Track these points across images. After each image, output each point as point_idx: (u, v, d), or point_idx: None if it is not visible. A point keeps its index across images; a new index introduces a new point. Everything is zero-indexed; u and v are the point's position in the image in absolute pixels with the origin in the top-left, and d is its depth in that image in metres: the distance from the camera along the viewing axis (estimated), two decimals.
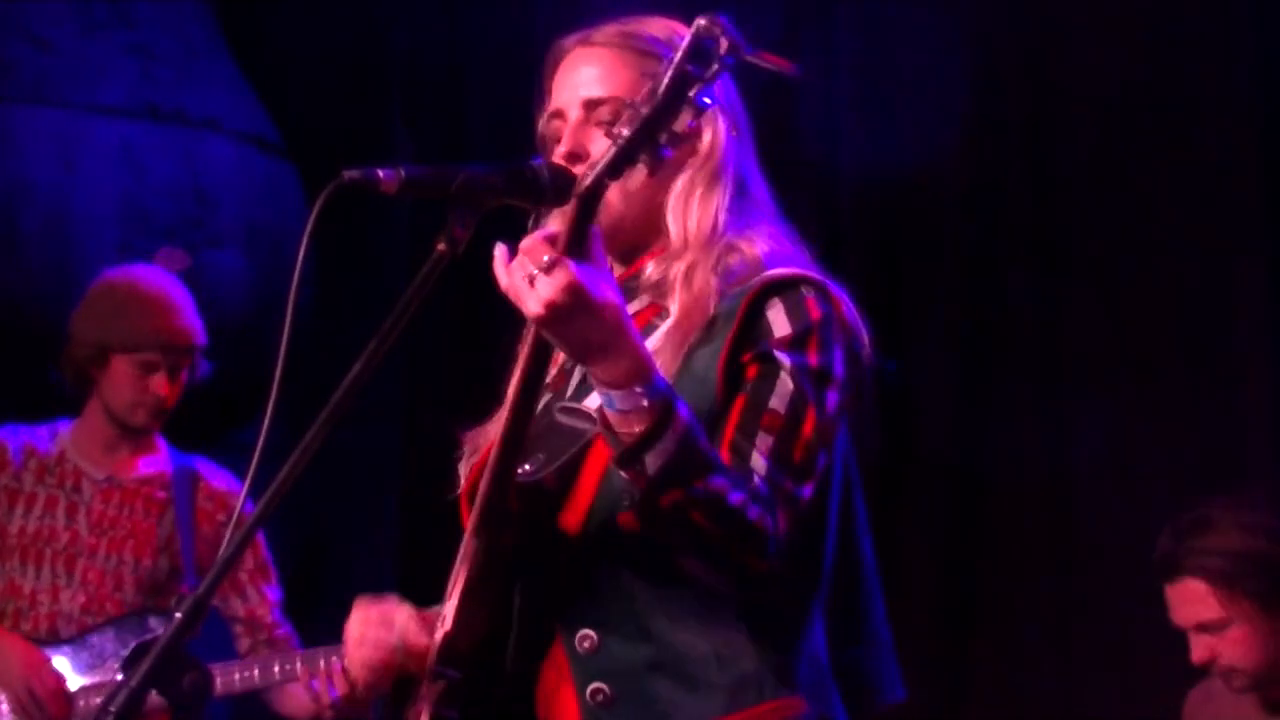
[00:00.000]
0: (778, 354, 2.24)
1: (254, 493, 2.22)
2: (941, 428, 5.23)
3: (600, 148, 2.38)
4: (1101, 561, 5.02)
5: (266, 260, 5.68)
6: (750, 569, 2.17)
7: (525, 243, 2.08)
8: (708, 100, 2.01)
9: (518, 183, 2.36)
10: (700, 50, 1.99)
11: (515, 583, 2.28)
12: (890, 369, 2.38)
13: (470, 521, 2.27)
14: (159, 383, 4.21)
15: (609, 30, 2.46)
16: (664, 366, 2.24)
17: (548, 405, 2.36)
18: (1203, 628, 3.68)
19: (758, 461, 2.19)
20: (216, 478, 4.37)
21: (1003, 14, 5.23)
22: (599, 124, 2.40)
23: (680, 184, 2.39)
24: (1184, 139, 5.02)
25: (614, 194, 2.37)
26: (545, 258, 2.05)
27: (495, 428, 2.42)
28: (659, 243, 2.40)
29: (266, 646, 4.25)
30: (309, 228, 2.28)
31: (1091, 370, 5.11)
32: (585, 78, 2.43)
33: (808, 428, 2.22)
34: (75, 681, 4.11)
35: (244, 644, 4.29)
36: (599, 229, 2.12)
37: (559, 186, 2.38)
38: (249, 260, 5.69)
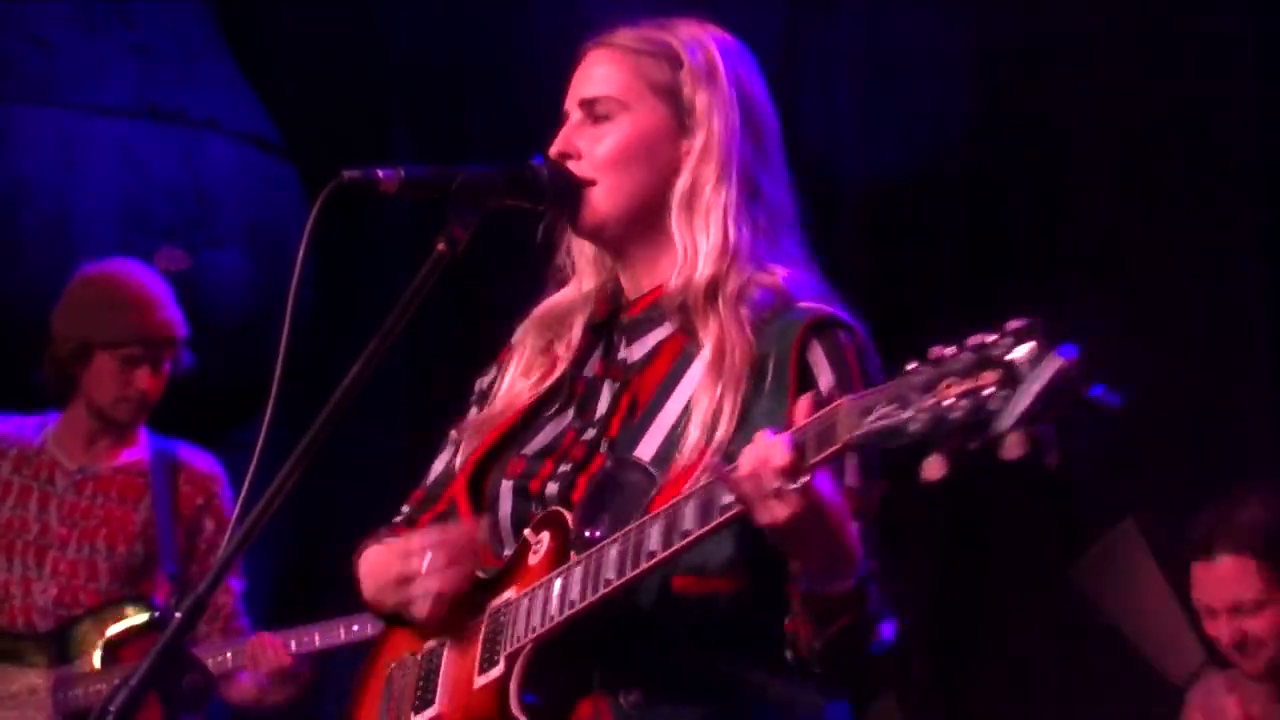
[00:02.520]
0: None
1: (254, 492, 2.22)
2: None
3: (594, 149, 2.39)
4: None
5: (266, 260, 5.68)
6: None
7: (775, 456, 2.00)
8: (1040, 437, 1.80)
9: (518, 183, 2.37)
10: (1055, 396, 1.80)
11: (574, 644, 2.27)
12: None
13: (565, 618, 2.24)
14: (142, 377, 4.22)
15: (626, 32, 2.47)
16: (710, 408, 2.24)
17: (599, 446, 2.36)
18: (1237, 608, 3.67)
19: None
20: (197, 460, 4.37)
21: (1003, 14, 5.23)
22: (593, 122, 2.42)
23: (681, 185, 2.38)
24: (1184, 139, 5.02)
25: (599, 194, 2.38)
26: (801, 480, 2.00)
27: (498, 425, 2.44)
28: (664, 247, 2.39)
29: (220, 635, 4.24)
30: (309, 228, 2.28)
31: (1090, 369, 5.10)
32: (586, 78, 2.45)
33: (876, 494, 2.26)
34: (53, 674, 4.12)
35: (200, 629, 4.24)
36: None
37: (559, 187, 2.39)
38: (249, 260, 5.69)
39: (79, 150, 5.52)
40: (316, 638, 4.00)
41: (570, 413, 2.44)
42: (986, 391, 1.81)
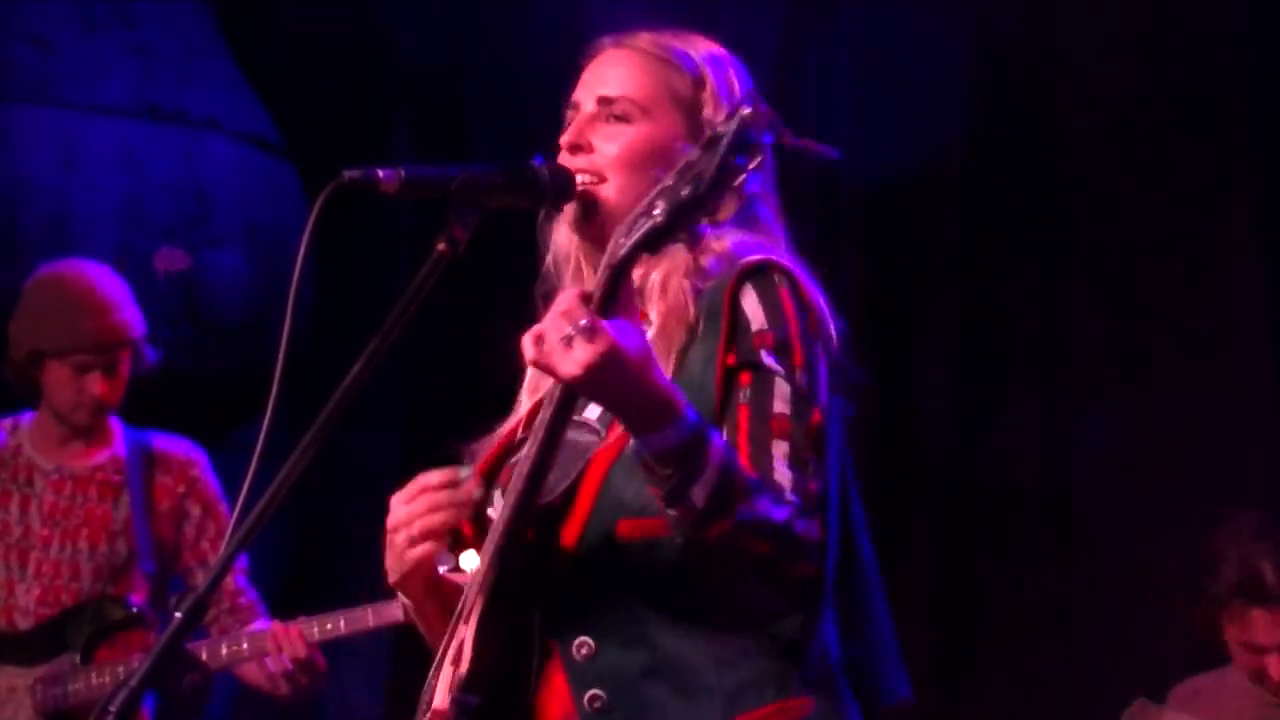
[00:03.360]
0: (766, 361, 2.26)
1: (254, 492, 2.22)
2: (941, 428, 5.23)
3: (608, 147, 2.41)
4: (1101, 561, 5.02)
5: (266, 260, 5.68)
6: (798, 577, 2.23)
7: (560, 303, 2.08)
8: (750, 189, 2.04)
9: (518, 183, 2.37)
10: (745, 141, 2.01)
11: (526, 599, 2.29)
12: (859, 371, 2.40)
13: (487, 552, 2.27)
14: (95, 382, 4.20)
15: (644, 36, 2.49)
16: None
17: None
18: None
19: (782, 473, 2.21)
20: (173, 448, 4.35)
21: (1003, 14, 5.23)
22: (608, 119, 2.43)
23: None
24: (1184, 139, 5.02)
25: (610, 189, 2.40)
26: (583, 322, 2.04)
27: (503, 435, 2.46)
28: None
29: (229, 615, 4.24)
30: (309, 228, 2.29)
31: (1092, 371, 5.11)
32: (606, 76, 2.46)
33: (813, 424, 2.25)
34: (32, 673, 4.12)
35: (208, 613, 4.24)
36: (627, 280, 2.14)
37: (559, 187, 2.40)
38: (249, 260, 5.69)
39: (79, 150, 5.51)
40: (342, 623, 3.99)
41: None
42: (699, 164, 2.04)
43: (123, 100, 5.60)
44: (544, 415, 2.20)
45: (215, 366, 4.38)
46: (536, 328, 2.09)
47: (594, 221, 2.42)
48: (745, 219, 2.40)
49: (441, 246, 2.29)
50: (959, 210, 5.33)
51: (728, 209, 2.05)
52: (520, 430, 2.47)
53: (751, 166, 2.02)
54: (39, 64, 5.51)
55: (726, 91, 2.46)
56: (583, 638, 2.25)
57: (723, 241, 2.35)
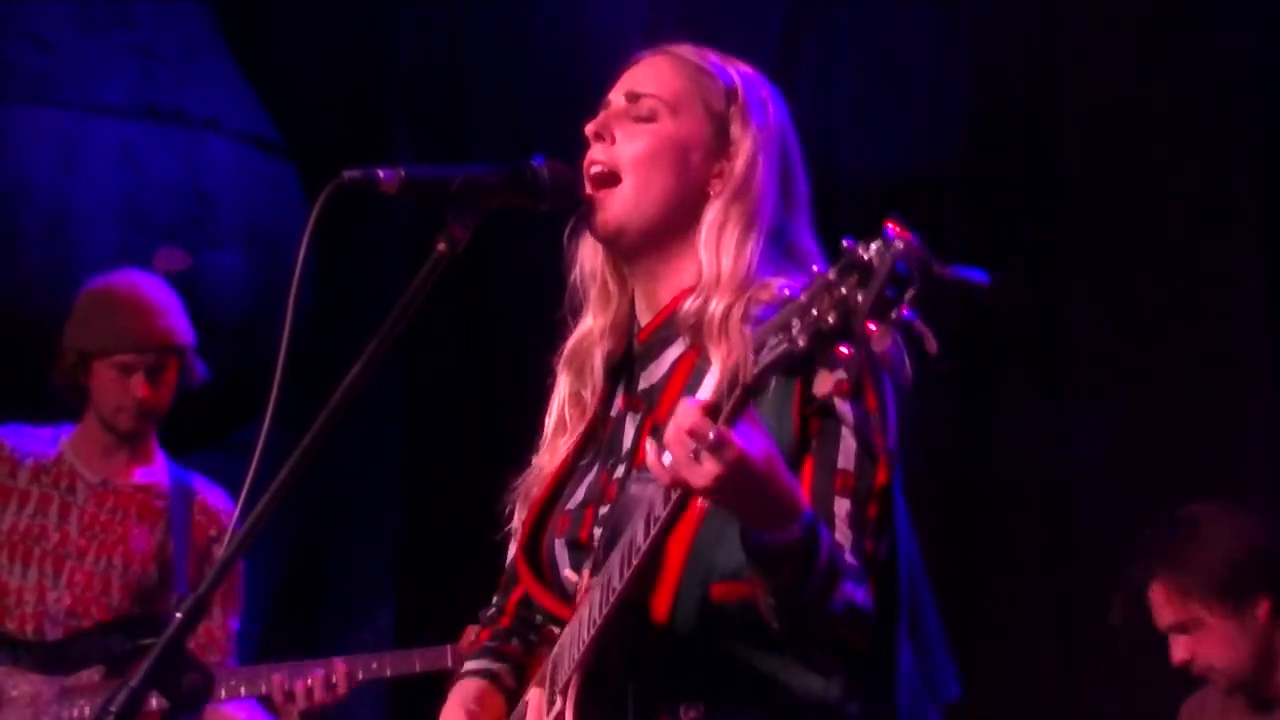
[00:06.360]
0: (838, 405, 2.27)
1: (254, 493, 2.22)
2: (942, 428, 5.23)
3: (630, 145, 2.40)
4: (1101, 562, 5.02)
5: (266, 260, 5.69)
6: (857, 648, 2.23)
7: (681, 418, 2.03)
8: (899, 317, 1.90)
9: (518, 183, 2.37)
10: (897, 275, 1.90)
11: (621, 667, 2.29)
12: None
13: (578, 634, 2.27)
14: (138, 385, 4.21)
15: (686, 46, 2.50)
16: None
17: (622, 477, 2.37)
18: (1176, 628, 3.80)
19: (842, 532, 2.23)
20: (212, 495, 4.37)
21: (1003, 14, 5.23)
22: (636, 119, 2.42)
23: (712, 216, 2.39)
24: (1185, 139, 5.02)
25: (625, 191, 2.39)
26: (711, 436, 2.01)
27: (548, 475, 2.46)
28: (675, 265, 2.42)
29: (217, 669, 4.23)
30: (309, 228, 2.29)
31: (1091, 370, 5.11)
32: (640, 75, 2.47)
33: (878, 480, 2.28)
34: (57, 682, 4.12)
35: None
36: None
37: (559, 187, 2.39)
38: (249, 260, 5.69)
39: (79, 150, 5.52)
40: (388, 667, 3.98)
41: (600, 455, 2.46)
42: (847, 292, 1.89)
43: (122, 100, 5.61)
44: (656, 512, 2.15)
45: (215, 366, 4.38)
46: (666, 442, 2.05)
47: (609, 222, 2.41)
48: (785, 250, 2.40)
49: (441, 246, 2.29)
50: (958, 210, 5.33)
51: (880, 341, 1.88)
52: (565, 465, 2.47)
53: (907, 299, 1.89)
54: (39, 64, 5.51)
55: (758, 111, 2.46)
56: (690, 702, 2.25)
57: (770, 287, 2.33)
